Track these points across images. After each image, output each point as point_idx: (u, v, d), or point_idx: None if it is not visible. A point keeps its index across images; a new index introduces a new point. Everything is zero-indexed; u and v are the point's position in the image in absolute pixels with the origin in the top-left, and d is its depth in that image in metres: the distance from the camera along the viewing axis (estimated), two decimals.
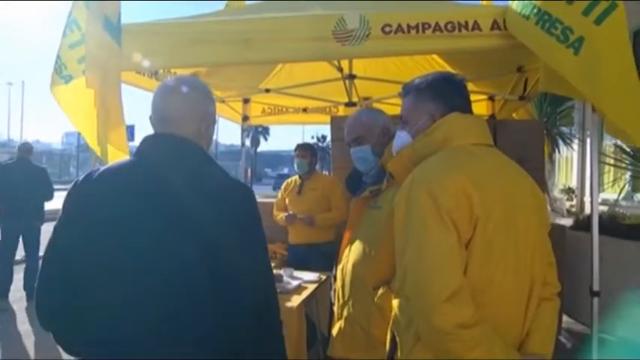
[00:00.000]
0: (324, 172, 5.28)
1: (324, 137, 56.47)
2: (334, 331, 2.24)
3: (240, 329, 1.23)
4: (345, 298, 2.17)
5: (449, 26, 2.58)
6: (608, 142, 7.31)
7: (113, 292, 1.23)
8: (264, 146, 67.71)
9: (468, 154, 1.39)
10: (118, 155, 2.66)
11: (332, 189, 4.32)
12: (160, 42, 2.76)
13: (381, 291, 1.90)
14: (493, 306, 1.26)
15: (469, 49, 2.58)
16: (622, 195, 5.83)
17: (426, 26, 2.60)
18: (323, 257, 4.23)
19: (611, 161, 5.68)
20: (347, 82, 4.38)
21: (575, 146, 8.12)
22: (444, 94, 1.50)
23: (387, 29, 2.61)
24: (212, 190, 1.27)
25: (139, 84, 3.37)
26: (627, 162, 5.28)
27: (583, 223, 4.65)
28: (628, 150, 5.06)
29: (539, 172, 4.25)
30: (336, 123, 4.78)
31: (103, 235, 1.26)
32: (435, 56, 4.40)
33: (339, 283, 2.27)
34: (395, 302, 1.42)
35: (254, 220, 1.31)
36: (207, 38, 2.71)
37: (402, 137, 1.59)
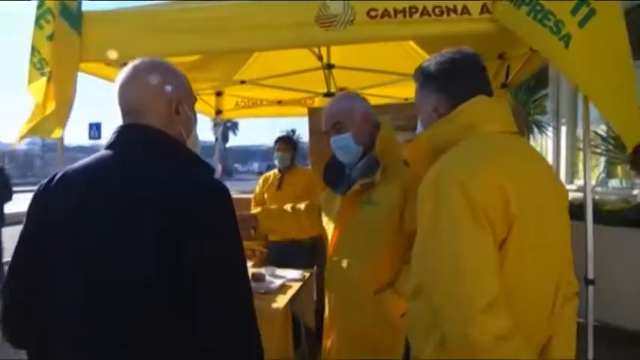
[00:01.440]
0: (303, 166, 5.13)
1: (293, 131, 56.18)
2: (327, 342, 2.09)
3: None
4: (341, 305, 2.01)
5: (437, 10, 2.47)
6: (582, 130, 7.39)
7: (68, 309, 1.10)
8: (232, 141, 66.98)
9: (500, 143, 1.27)
10: None
11: (312, 183, 4.18)
12: (128, 30, 2.57)
13: (385, 293, 1.78)
14: (522, 313, 1.14)
15: (458, 33, 2.46)
16: (597, 181, 5.88)
17: (414, 10, 2.48)
18: (304, 254, 4.11)
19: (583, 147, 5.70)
20: (326, 71, 4.23)
21: (550, 134, 8.19)
22: (447, 83, 1.37)
23: (373, 13, 2.49)
24: (178, 193, 1.09)
25: (109, 76, 3.14)
26: (602, 148, 5.32)
27: (570, 212, 4.64)
28: (604, 136, 5.09)
29: None
30: (314, 114, 4.65)
31: (59, 246, 1.13)
32: (411, 43, 4.29)
33: (329, 287, 2.11)
34: (410, 306, 1.30)
35: (228, 230, 1.13)
36: (180, 26, 2.53)
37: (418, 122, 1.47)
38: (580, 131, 7.32)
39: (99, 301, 1.07)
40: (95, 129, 15.80)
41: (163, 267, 1.04)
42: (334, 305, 2.06)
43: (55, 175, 1.23)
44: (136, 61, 1.29)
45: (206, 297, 1.05)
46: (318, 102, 5.53)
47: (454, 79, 1.36)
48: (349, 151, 2.08)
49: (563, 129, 7.62)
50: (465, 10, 2.46)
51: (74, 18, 2.46)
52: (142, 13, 2.62)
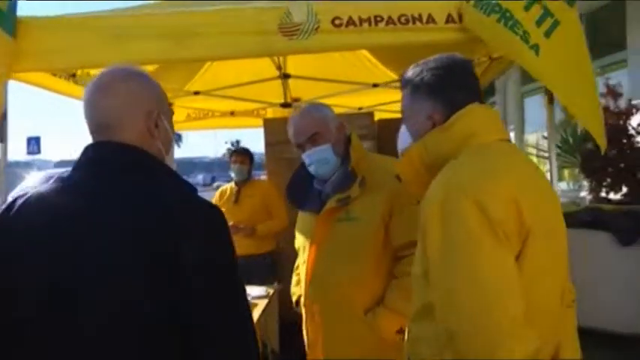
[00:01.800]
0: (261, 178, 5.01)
1: (238, 142, 55.43)
2: None
3: None
4: (327, 326, 1.89)
5: (402, 19, 2.44)
6: (528, 136, 7.66)
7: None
8: (177, 153, 65.45)
9: (504, 154, 1.22)
10: None
11: (271, 195, 4.08)
12: (75, 37, 2.35)
13: (376, 311, 1.69)
14: (538, 324, 1.08)
15: (425, 42, 2.44)
16: None
17: (379, 19, 2.43)
18: (264, 269, 4.00)
19: (535, 152, 5.90)
20: (282, 81, 4.14)
21: None
22: (443, 90, 1.30)
23: (338, 22, 2.42)
24: (163, 217, 0.97)
25: (51, 87, 2.90)
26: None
27: None
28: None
29: None
30: (270, 126, 4.56)
31: (26, 282, 0.98)
32: (365, 53, 4.26)
33: (310, 310, 1.97)
34: (415, 327, 1.22)
35: (224, 254, 1.03)
36: (135, 33, 2.34)
37: (406, 134, 1.39)
38: (528, 137, 7.59)
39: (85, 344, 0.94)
40: (34, 143, 15.00)
41: (157, 299, 0.93)
42: (318, 325, 1.94)
43: (14, 201, 1.06)
44: (110, 69, 1.15)
45: (207, 325, 0.96)
46: (272, 113, 5.43)
47: (450, 86, 1.30)
48: (328, 164, 1.96)
49: (512, 135, 7.87)
50: (431, 19, 2.44)
51: (6, 19, 2.22)
52: (93, 18, 2.42)
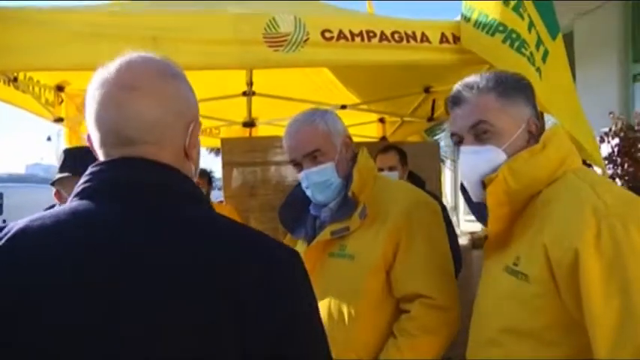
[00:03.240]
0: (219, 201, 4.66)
1: None
2: None
3: None
4: None
5: (396, 36, 2.29)
6: None
7: None
8: None
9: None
10: None
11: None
12: (29, 35, 2.00)
13: None
14: None
15: (420, 61, 2.31)
16: None
17: (372, 35, 2.27)
18: None
19: None
20: (247, 98, 3.87)
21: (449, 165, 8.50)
22: (532, 98, 1.17)
23: (328, 35, 2.23)
24: (230, 262, 0.73)
25: None
26: None
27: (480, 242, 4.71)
28: None
29: (437, 193, 4.20)
30: (227, 145, 4.27)
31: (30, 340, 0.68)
32: (326, 71, 4.08)
33: None
34: None
35: (309, 306, 0.80)
36: (106, 32, 2.01)
37: (482, 153, 1.16)
38: None
39: None
40: None
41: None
42: None
43: (7, 232, 0.74)
44: (136, 58, 0.85)
45: None
46: (227, 132, 5.12)
47: (534, 96, 1.16)
48: (330, 187, 1.63)
49: None
50: (425, 38, 2.30)
51: None
52: (53, 12, 2.05)
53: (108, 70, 0.83)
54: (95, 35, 1.96)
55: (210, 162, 24.69)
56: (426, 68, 2.51)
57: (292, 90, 4.06)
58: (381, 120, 5.26)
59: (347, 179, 1.65)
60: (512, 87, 1.16)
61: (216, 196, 5.36)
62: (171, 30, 2.09)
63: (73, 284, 0.68)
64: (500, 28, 2.12)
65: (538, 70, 2.11)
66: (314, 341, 0.79)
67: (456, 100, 1.22)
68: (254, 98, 4.13)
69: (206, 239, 0.74)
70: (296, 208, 1.79)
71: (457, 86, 1.24)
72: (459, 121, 1.21)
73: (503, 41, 2.11)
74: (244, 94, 3.80)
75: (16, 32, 1.95)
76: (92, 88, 0.83)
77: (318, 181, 1.62)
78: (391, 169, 2.93)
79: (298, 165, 1.66)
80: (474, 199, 1.21)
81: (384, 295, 1.55)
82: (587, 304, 0.92)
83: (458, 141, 1.22)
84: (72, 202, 0.77)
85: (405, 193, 1.67)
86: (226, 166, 4.23)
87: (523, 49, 2.09)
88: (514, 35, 2.09)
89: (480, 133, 1.16)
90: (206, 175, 4.00)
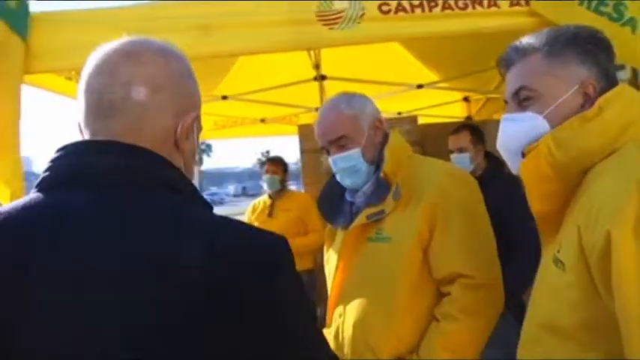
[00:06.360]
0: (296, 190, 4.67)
1: (267, 152, 55.35)
2: None
3: None
4: None
5: (460, 3, 2.10)
6: None
7: None
8: (207, 164, 65.96)
9: None
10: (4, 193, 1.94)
11: (307, 209, 3.73)
12: (89, 33, 2.06)
13: None
14: None
15: (490, 29, 2.10)
16: None
17: (433, 4, 2.10)
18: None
19: None
20: (319, 83, 3.81)
21: None
22: (596, 54, 0.99)
23: (385, 8, 2.10)
24: (215, 258, 0.66)
25: (53, 87, 2.61)
26: None
27: None
28: None
29: None
30: (305, 132, 4.23)
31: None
32: (399, 48, 3.87)
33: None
34: None
35: (300, 304, 0.74)
36: (154, 26, 2.07)
37: (521, 121, 1.02)
38: None
39: None
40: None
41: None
42: None
43: None
44: (143, 37, 0.82)
45: None
46: (305, 119, 5.11)
47: (604, 52, 0.99)
48: (357, 173, 1.60)
49: None
50: (493, 3, 2.09)
51: (18, 19, 1.97)
52: (108, 12, 2.15)
53: (110, 43, 0.81)
54: (144, 30, 1.98)
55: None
56: (504, 36, 2.27)
57: (363, 71, 3.93)
58: (466, 99, 5.00)
59: (378, 162, 1.62)
60: (565, 43, 0.99)
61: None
62: (222, 16, 2.08)
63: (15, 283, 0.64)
64: None
65: (630, 21, 1.83)
66: (296, 333, 0.73)
67: (503, 64, 1.08)
68: (328, 83, 4.07)
69: (173, 233, 0.67)
70: (333, 197, 1.76)
71: (507, 48, 1.09)
72: (507, 87, 1.07)
73: (580, 3, 1.87)
74: (315, 79, 3.71)
75: (66, 33, 2.03)
76: (89, 61, 0.80)
77: (345, 166, 1.61)
78: (461, 150, 2.74)
79: (325, 150, 1.66)
80: (514, 172, 1.06)
81: (423, 279, 1.50)
82: (619, 296, 0.75)
83: None
84: (30, 194, 0.73)
85: (437, 170, 1.62)
86: (304, 153, 4.21)
87: (602, 7, 1.83)
88: None
89: (522, 100, 1.02)
90: (281, 162, 3.99)
